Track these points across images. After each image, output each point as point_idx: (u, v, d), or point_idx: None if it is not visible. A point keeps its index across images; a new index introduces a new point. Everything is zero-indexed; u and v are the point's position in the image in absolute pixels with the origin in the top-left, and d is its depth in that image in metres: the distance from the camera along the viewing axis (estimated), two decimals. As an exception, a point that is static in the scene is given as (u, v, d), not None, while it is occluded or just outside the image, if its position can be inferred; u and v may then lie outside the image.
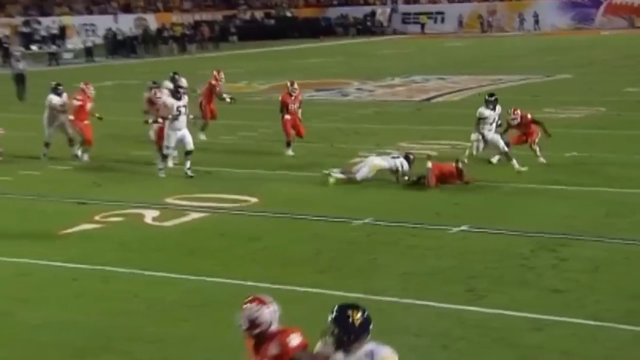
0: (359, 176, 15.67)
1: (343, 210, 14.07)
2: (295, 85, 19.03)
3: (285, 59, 50.36)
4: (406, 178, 15.74)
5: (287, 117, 18.76)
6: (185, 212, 14.42)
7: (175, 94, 17.33)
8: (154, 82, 19.43)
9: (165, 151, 17.16)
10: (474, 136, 16.58)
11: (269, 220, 13.89)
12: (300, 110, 19.13)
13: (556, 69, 36.83)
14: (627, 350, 8.25)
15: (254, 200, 15.16)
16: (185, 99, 17.27)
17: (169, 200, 15.31)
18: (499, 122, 16.49)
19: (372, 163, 15.84)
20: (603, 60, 41.44)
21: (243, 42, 64.51)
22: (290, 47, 62.13)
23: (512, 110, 17.25)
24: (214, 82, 21.97)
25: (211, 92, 21.84)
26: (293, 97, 18.93)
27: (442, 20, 73.87)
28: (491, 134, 16.31)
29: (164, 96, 17.71)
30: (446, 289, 10.17)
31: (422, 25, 73.03)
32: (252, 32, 69.04)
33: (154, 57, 56.45)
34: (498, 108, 16.43)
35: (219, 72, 22.35)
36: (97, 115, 19.37)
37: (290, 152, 18.79)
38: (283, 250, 12.10)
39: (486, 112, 16.38)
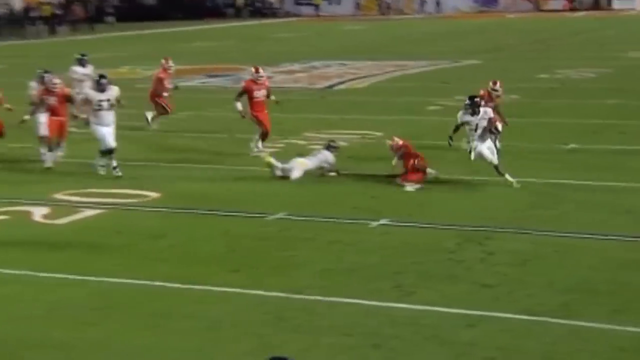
0: (293, 178, 15.84)
1: (253, 205, 14.24)
2: (261, 72, 18.42)
3: (170, 42, 50.08)
4: (332, 174, 15.99)
5: (240, 107, 18.10)
6: (77, 209, 14.33)
7: (97, 85, 16.79)
8: (46, 71, 18.20)
9: (101, 148, 16.49)
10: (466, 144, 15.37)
11: (172, 216, 13.93)
12: (267, 100, 18.38)
13: (464, 55, 37.80)
14: (563, 344, 8.68)
15: (153, 195, 15.17)
16: (111, 92, 16.64)
17: (59, 196, 15.18)
18: (498, 128, 15.13)
19: (300, 163, 15.98)
20: (511, 45, 42.74)
21: (121, 24, 63.75)
22: (175, 29, 61.78)
23: (498, 82, 17.86)
24: (162, 75, 21.64)
25: (161, 84, 21.49)
26: (259, 85, 18.25)
27: (338, 1, 74.66)
28: (480, 144, 14.84)
29: (86, 88, 17.38)
30: (372, 285, 10.45)
31: (316, 7, 73.67)
32: (132, 13, 68.39)
33: (19, 39, 55.30)
34: (484, 111, 15.00)
35: (167, 60, 21.95)
36: (7, 106, 18.50)
37: (259, 148, 17.95)
38: (191, 249, 12.19)
39: (466, 117, 15.10)
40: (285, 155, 17.06)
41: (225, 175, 16.39)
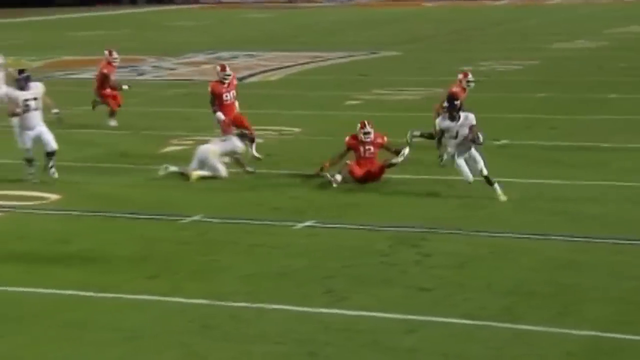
0: (191, 168, 15.91)
1: (167, 207, 14.31)
2: (228, 70, 17.77)
3: (57, 30, 49.57)
4: (249, 169, 16.10)
5: (223, 117, 17.36)
6: (-31, 213, 14.18)
7: (20, 82, 15.85)
8: None
9: (25, 155, 15.88)
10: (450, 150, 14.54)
11: (78, 220, 13.90)
12: (236, 102, 17.81)
13: (380, 45, 38.33)
14: (509, 349, 8.98)
15: (54, 197, 15.08)
16: (36, 89, 15.89)
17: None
18: (479, 139, 14.25)
19: (204, 150, 16.09)
20: (429, 36, 43.48)
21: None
22: (60, 16, 61.00)
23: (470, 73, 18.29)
24: (106, 69, 21.23)
25: (106, 80, 21.12)
26: (226, 85, 17.60)
27: (241, -13, 74.71)
28: (459, 156, 14.22)
29: (4, 87, 16.80)
30: (302, 290, 10.64)
31: (218, -7, 73.64)
32: (12, -2, 67.18)
33: None
34: (465, 117, 14.24)
35: (111, 53, 21.50)
36: None
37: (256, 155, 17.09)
38: (102, 254, 12.21)
39: (445, 123, 14.29)
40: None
41: (135, 176, 16.38)
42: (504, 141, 18.86)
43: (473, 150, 14.20)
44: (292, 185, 15.59)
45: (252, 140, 16.76)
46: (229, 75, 17.71)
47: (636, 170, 16.31)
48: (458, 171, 14.31)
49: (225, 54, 36.35)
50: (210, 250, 12.23)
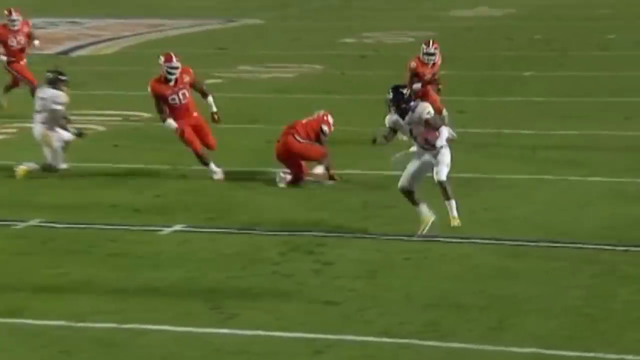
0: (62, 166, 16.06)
1: (-3, 210, 14.39)
2: (174, 62, 16.12)
3: None
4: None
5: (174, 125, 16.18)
6: None
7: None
8: None
9: None
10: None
11: None
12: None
13: (238, 12, 38.74)
14: (439, 370, 9.49)
15: None
16: None
17: None
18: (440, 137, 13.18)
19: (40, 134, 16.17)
20: (299, 1, 44.06)
21: None
22: None
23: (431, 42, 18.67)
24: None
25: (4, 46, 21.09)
26: (173, 83, 16.05)
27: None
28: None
29: None
30: (181, 307, 10.92)
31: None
32: None
33: None
34: (421, 109, 13.14)
35: (10, 12, 21.59)
36: None
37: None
38: None
39: (394, 118, 13.35)
40: (20, 144, 17.15)
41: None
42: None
43: (443, 151, 13.11)
44: (153, 182, 15.81)
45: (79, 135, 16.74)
46: (174, 69, 15.92)
47: (565, 162, 17.09)
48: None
49: (38, 21, 35.99)
50: (58, 261, 12.40)
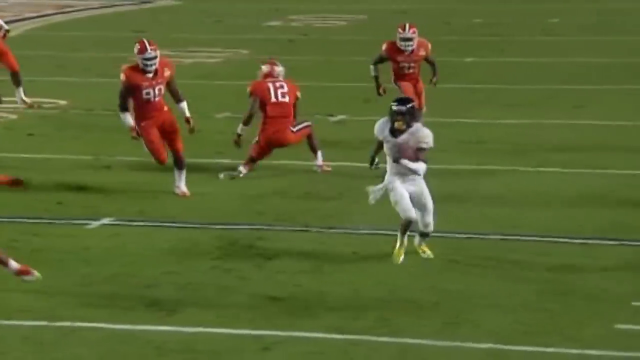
0: None
1: None
2: (149, 51, 14.85)
3: None
4: None
5: (131, 122, 15.12)
6: None
7: None
8: None
9: None
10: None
11: None
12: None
13: (153, -8, 38.82)
14: (395, 367, 9.83)
15: None
16: None
17: None
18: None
19: None
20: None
21: None
22: None
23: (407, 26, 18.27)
24: None
25: None
26: (151, 75, 14.89)
27: None
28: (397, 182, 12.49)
29: None
30: (119, 304, 11.15)
31: None
32: None
33: None
34: (422, 135, 12.38)
35: None
36: None
37: None
38: None
39: (385, 132, 12.49)
40: None
41: None
42: (340, 117, 19.80)
43: (421, 181, 12.51)
44: (75, 173, 15.99)
45: None
46: (150, 60, 14.75)
47: (512, 152, 17.54)
48: (394, 203, 12.53)
49: None
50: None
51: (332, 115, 19.58)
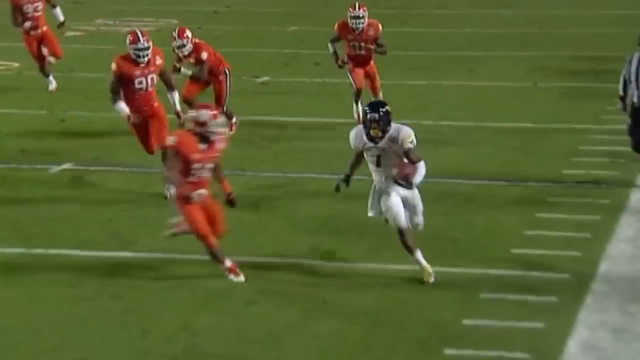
0: None
1: None
2: (142, 42, 13.30)
3: None
4: None
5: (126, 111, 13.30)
6: None
7: None
8: None
9: None
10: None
11: None
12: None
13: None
14: (330, 283, 10.45)
15: None
16: None
17: None
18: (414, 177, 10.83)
19: None
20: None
21: None
22: None
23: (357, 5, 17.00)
24: None
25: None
26: (143, 65, 13.34)
27: None
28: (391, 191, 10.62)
29: None
30: (82, 236, 11.80)
31: None
32: None
33: None
34: (395, 132, 10.47)
35: None
36: None
37: None
38: None
39: (358, 141, 10.70)
40: None
41: None
42: (264, 78, 20.42)
43: (414, 190, 10.77)
44: (34, 126, 16.49)
45: None
46: (142, 50, 13.20)
47: (416, 108, 18.28)
48: (385, 211, 10.73)
49: None
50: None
51: (257, 77, 20.18)
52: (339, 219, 12.43)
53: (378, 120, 10.31)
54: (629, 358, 8.81)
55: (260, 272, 10.79)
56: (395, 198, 10.51)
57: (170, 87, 13.63)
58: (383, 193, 10.57)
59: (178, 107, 13.70)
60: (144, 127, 13.35)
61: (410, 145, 10.36)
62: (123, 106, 13.15)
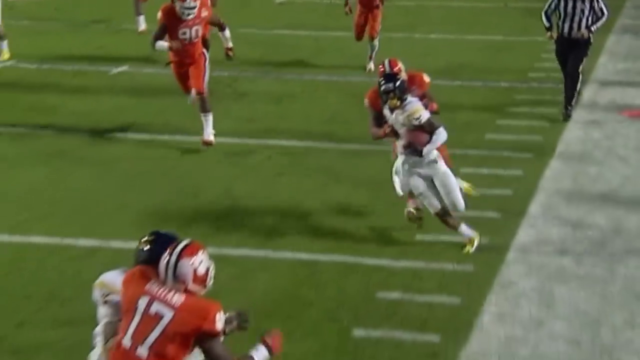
0: None
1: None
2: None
3: None
4: None
5: (166, 44, 11.47)
6: None
7: None
8: None
9: None
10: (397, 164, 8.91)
11: None
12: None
13: None
14: (341, 161, 11.01)
15: None
16: None
17: None
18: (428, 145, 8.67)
19: None
20: None
21: None
22: None
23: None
24: None
25: None
26: (189, 18, 11.45)
27: None
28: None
29: None
30: (142, 121, 12.36)
31: None
32: None
33: None
34: (407, 104, 8.62)
35: None
36: None
37: None
38: None
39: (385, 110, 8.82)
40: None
41: None
42: None
43: (438, 167, 8.68)
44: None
45: None
46: (190, 9, 11.32)
47: (416, 25, 18.68)
48: (417, 195, 8.83)
49: None
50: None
51: None
52: (346, 111, 12.91)
53: (393, 89, 8.56)
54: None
55: (287, 152, 11.34)
56: (417, 180, 8.64)
57: (221, 29, 11.88)
58: (408, 174, 8.72)
59: (230, 44, 12.02)
60: (184, 72, 11.66)
61: (416, 122, 8.54)
62: (161, 43, 11.37)
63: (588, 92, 13.90)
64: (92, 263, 8.05)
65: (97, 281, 5.33)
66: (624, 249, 8.55)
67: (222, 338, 5.05)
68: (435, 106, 8.89)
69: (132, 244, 5.44)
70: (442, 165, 8.62)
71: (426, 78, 9.17)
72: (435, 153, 8.58)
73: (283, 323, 6.99)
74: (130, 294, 5.00)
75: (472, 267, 8.14)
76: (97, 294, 5.30)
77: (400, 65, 9.02)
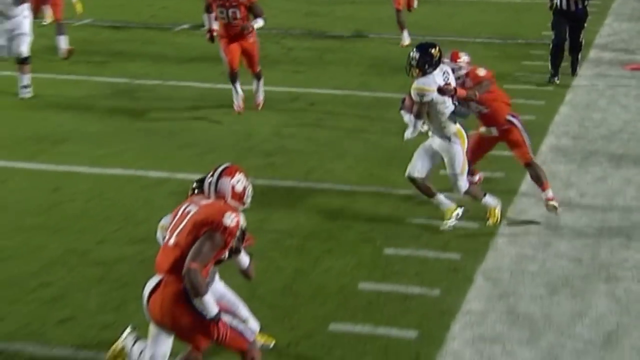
0: None
1: None
2: None
3: None
4: None
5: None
6: None
7: None
8: None
9: None
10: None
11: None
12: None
13: None
14: (374, 110, 11.24)
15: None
16: None
17: None
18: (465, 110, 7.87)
19: None
20: None
21: None
22: None
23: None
24: None
25: None
26: None
27: None
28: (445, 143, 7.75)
29: None
30: (203, 74, 12.58)
31: None
32: None
33: None
34: (415, 85, 7.53)
35: None
36: None
37: None
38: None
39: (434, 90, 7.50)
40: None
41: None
42: None
43: (450, 145, 7.72)
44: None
45: None
46: None
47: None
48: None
49: None
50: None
51: None
52: (379, 67, 13.09)
53: (413, 57, 7.45)
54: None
55: (324, 102, 11.51)
56: (426, 144, 7.81)
57: (257, 17, 10.74)
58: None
59: (258, 24, 10.76)
60: (231, 50, 10.82)
61: (417, 98, 7.44)
62: (208, 20, 10.97)
63: (595, 49, 13.95)
64: (161, 191, 8.38)
65: (160, 224, 5.43)
66: (623, 182, 8.72)
67: (225, 250, 5.03)
68: (464, 92, 7.53)
69: (194, 176, 5.67)
70: (455, 146, 7.64)
71: (480, 72, 7.84)
72: (453, 129, 7.61)
73: (325, 242, 7.29)
74: (179, 206, 5.23)
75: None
76: (159, 235, 5.41)
77: (464, 57, 7.89)
